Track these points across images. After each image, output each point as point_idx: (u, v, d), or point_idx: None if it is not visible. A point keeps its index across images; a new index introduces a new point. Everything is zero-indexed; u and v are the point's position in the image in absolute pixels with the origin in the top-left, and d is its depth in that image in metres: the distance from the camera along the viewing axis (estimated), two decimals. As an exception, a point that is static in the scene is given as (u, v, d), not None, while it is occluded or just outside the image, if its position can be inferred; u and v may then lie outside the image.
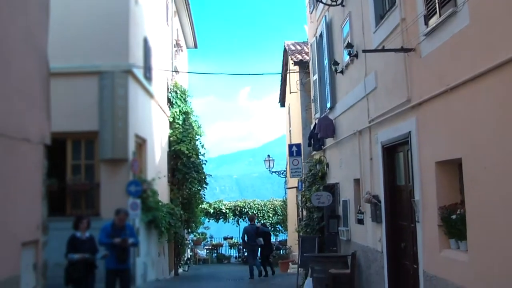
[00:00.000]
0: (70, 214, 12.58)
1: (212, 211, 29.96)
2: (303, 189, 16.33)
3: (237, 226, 29.86)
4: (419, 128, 6.81)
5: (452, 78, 5.65)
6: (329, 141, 13.02)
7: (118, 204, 11.02)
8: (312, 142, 14.39)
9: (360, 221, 10.08)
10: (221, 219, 30.55)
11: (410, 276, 7.57)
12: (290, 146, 17.71)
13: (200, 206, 23.58)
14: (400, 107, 7.44)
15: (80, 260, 8.68)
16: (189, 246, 25.96)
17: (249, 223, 19.09)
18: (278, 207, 29.73)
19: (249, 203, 30.50)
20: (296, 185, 19.23)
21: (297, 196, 20.83)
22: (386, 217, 8.44)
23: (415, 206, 6.98)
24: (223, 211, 30.12)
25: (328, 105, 12.68)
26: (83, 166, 13.27)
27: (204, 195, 22.18)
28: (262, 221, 29.22)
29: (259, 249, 18.26)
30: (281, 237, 29.79)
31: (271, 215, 29.89)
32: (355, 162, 10.29)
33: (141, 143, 15.08)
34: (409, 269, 7.63)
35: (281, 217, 29.31)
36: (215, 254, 29.94)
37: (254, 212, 29.88)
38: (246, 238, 18.07)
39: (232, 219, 30.32)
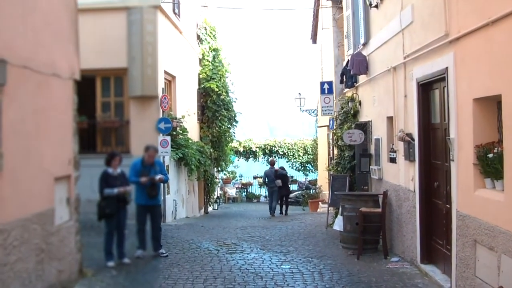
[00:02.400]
0: (100, 151, 12.83)
1: (242, 149, 30.16)
2: (334, 128, 16.23)
3: (267, 165, 30.17)
4: (456, 64, 6.61)
5: (494, 11, 5.42)
6: (362, 78, 12.82)
7: (148, 141, 11.09)
8: (344, 79, 14.20)
9: (393, 160, 10.01)
10: (251, 158, 30.77)
11: (442, 216, 7.56)
12: (322, 83, 17.46)
13: (230, 144, 23.67)
14: (437, 42, 7.21)
15: (115, 195, 8.79)
16: (219, 184, 26.22)
17: (269, 166, 20.25)
18: (309, 146, 29.77)
19: (279, 142, 30.60)
20: (327, 123, 19.12)
21: (328, 135, 20.81)
22: (420, 155, 8.35)
23: (450, 144, 6.87)
24: (253, 150, 30.28)
25: (362, 41, 12.42)
26: (112, 103, 13.38)
27: (234, 133, 22.25)
28: (292, 161, 29.48)
29: (277, 190, 19.22)
30: (311, 176, 29.95)
31: (301, 154, 29.99)
32: (388, 99, 10.14)
33: (171, 80, 15.08)
34: (442, 208, 7.61)
35: (311, 156, 29.39)
36: (245, 193, 30.31)
37: (284, 151, 30.02)
38: (266, 180, 19.57)
39: (262, 158, 30.47)
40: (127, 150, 12.97)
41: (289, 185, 20.79)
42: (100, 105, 13.35)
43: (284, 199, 19.61)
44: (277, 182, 19.12)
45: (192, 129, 17.26)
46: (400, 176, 9.51)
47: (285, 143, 30.49)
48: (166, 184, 12.46)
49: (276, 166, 20.62)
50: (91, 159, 11.12)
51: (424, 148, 8.31)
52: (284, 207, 19.53)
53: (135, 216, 9.69)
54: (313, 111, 24.39)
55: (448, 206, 7.22)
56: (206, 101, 19.66)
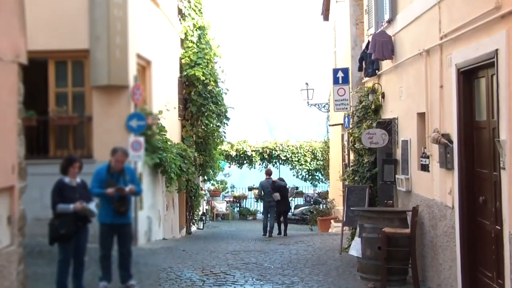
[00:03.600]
0: (54, 156, 12.75)
1: (234, 154, 30.26)
2: (350, 126, 16.30)
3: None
4: (510, 45, 6.49)
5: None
6: (386, 64, 12.85)
7: (116, 143, 10.96)
8: (364, 66, 14.28)
9: (425, 167, 10.00)
10: (246, 164, 30.99)
11: (490, 240, 7.47)
12: (335, 71, 17.43)
13: (219, 147, 23.74)
14: (485, 17, 7.11)
15: (72, 212, 8.63)
16: (205, 197, 26.34)
17: (265, 177, 20.76)
18: (318, 150, 29.97)
19: (281, 145, 30.80)
20: (342, 121, 19.08)
21: (342, 136, 20.98)
22: (460, 162, 8.29)
23: (500, 148, 6.79)
24: (248, 154, 30.42)
25: (386, 17, 12.45)
26: (70, 95, 13.31)
27: (225, 133, 22.34)
28: (297, 168, 29.51)
29: (275, 205, 19.95)
30: (321, 187, 30.19)
31: (308, 159, 30.16)
32: (420, 91, 10.12)
33: (145, 66, 15.06)
34: (490, 230, 7.53)
35: (321, 163, 29.53)
36: (238, 208, 30.41)
37: (287, 155, 30.11)
38: (262, 193, 20.50)
39: (260, 164, 30.64)
40: (88, 154, 12.93)
41: (289, 200, 21.61)
42: (53, 96, 13.25)
43: (282, 216, 20.29)
44: (274, 196, 19.76)
45: (172, 128, 17.22)
46: (434, 188, 9.47)
47: (288, 146, 30.61)
48: (138, 197, 12.31)
49: (274, 177, 21.20)
50: (42, 166, 11.04)
51: (466, 153, 8.26)
52: (282, 226, 20.24)
53: (98, 238, 9.54)
54: (324, 106, 24.49)
55: (498, 227, 7.13)
56: (190, 92, 19.63)
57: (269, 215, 19.82)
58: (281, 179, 21.35)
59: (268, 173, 20.96)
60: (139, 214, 13.23)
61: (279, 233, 20.02)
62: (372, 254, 10.37)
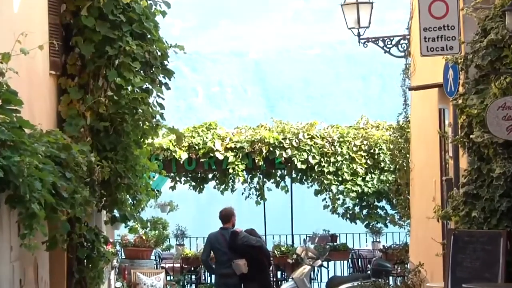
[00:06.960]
0: None
1: (185, 156, 30.11)
2: (460, 91, 16.15)
3: (257, 205, 29.91)
4: None
5: None
6: None
7: None
8: None
9: None
10: (213, 181, 31.60)
11: None
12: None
13: (149, 141, 23.67)
14: None
15: None
16: (116, 261, 26.76)
17: (220, 226, 23.21)
18: (382, 147, 30.24)
19: (295, 134, 31.02)
20: (441, 80, 18.31)
21: (441, 113, 20.78)
22: None
23: None
24: (218, 157, 30.28)
25: None
26: None
27: (163, 108, 21.48)
28: (333, 191, 29.11)
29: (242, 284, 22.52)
30: (390, 237, 30.66)
31: (360, 170, 30.22)
32: None
33: None
34: None
35: (390, 178, 29.54)
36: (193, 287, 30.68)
37: (311, 161, 30.33)
38: (209, 257, 23.35)
39: (248, 182, 31.26)
40: None
41: (267, 272, 24.26)
42: None
43: None
44: (234, 265, 21.76)
45: (36, 96, 16.74)
46: None
47: (311, 138, 30.61)
48: None
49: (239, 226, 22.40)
50: None
51: None
52: None
53: None
54: (396, 44, 24.09)
55: None
56: (77, 10, 18.93)
57: None
58: (251, 232, 22.39)
59: (226, 217, 22.64)
60: None
61: None
62: None
